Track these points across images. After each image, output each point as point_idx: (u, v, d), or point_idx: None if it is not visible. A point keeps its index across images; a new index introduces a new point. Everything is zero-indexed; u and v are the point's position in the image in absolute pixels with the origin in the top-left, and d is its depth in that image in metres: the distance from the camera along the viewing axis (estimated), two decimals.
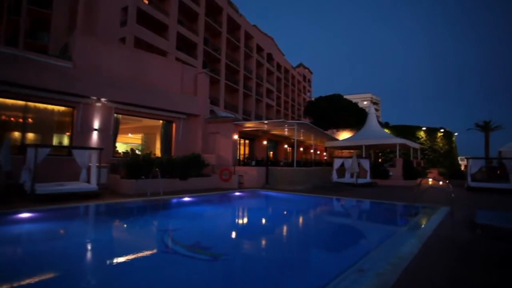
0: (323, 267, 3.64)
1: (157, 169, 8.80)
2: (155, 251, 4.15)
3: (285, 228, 6.24)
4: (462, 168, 26.29)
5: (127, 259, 3.74)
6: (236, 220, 7.03)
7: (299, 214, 8.17)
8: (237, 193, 10.37)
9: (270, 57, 42.21)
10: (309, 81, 62.58)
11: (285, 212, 8.26)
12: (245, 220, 7.01)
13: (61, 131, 10.74)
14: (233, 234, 5.49)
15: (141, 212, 7.14)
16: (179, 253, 3.91)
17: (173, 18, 23.88)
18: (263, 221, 6.85)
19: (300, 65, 59.46)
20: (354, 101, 42.19)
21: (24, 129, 9.75)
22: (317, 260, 3.92)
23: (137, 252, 4.05)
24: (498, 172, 14.80)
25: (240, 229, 5.96)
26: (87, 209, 6.69)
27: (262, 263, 3.74)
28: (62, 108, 10.40)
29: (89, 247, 4.28)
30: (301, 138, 20.50)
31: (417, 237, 4.63)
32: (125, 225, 6.00)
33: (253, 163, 15.47)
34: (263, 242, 4.92)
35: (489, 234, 4.98)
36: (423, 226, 5.56)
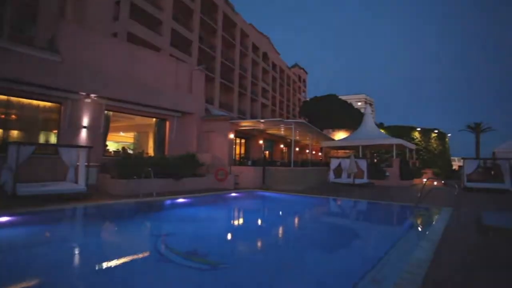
0: (333, 277, 3.33)
1: (149, 168, 8.38)
2: (147, 259, 3.76)
3: (287, 232, 5.89)
4: (455, 168, 26.55)
5: (116, 269, 3.36)
6: (235, 224, 6.68)
7: (301, 217, 7.84)
8: (233, 194, 10.02)
9: (265, 56, 41.95)
10: (304, 81, 62.62)
11: (286, 215, 7.91)
12: (245, 223, 6.65)
13: (48, 128, 10.17)
14: (232, 239, 5.14)
15: (132, 215, 6.73)
16: (174, 262, 3.55)
17: (168, 14, 23.33)
18: (264, 224, 6.51)
19: (296, 65, 59.44)
20: (348, 102, 42.28)
21: (6, 126, 9.17)
22: (326, 269, 3.61)
23: (127, 261, 3.66)
24: (493, 172, 14.87)
25: (240, 233, 5.60)
26: (73, 212, 6.24)
27: (264, 272, 3.41)
28: (48, 104, 9.84)
29: (72, 255, 3.87)
30: (297, 138, 20.25)
31: (427, 240, 4.37)
32: (114, 230, 5.58)
33: (249, 163, 15.14)
34: (265, 248, 4.59)
35: (499, 236, 4.79)
36: (430, 228, 5.33)
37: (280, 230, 5.95)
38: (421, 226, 5.82)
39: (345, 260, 4.00)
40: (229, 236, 5.34)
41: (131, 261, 3.64)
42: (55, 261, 3.50)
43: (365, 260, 3.87)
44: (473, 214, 6.56)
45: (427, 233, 4.99)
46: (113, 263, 3.58)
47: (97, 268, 3.37)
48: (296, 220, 7.20)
